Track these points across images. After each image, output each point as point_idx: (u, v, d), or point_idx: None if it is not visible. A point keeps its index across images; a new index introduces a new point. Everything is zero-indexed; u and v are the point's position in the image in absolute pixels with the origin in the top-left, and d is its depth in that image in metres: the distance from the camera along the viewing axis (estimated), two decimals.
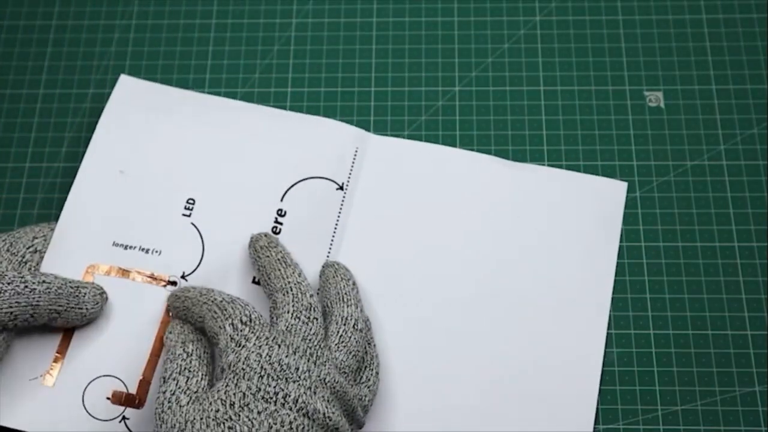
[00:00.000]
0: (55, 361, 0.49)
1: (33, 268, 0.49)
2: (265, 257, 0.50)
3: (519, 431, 0.49)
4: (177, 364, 0.46)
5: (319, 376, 0.44)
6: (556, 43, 0.59)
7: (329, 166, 0.54)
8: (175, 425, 0.43)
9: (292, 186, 0.54)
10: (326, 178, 0.54)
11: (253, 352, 0.44)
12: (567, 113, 0.57)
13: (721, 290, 0.52)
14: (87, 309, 0.48)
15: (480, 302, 0.52)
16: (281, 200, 0.53)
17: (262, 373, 0.43)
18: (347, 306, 0.49)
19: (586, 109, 0.57)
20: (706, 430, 0.49)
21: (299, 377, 0.44)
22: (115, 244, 0.52)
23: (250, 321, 0.46)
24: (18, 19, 0.61)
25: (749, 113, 0.57)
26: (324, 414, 0.43)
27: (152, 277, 0.51)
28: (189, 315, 0.48)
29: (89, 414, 0.48)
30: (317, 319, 0.47)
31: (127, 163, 0.54)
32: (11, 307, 0.45)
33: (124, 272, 0.51)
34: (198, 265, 0.51)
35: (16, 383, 0.48)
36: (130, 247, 0.51)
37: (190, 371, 0.46)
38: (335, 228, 0.53)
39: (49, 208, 0.55)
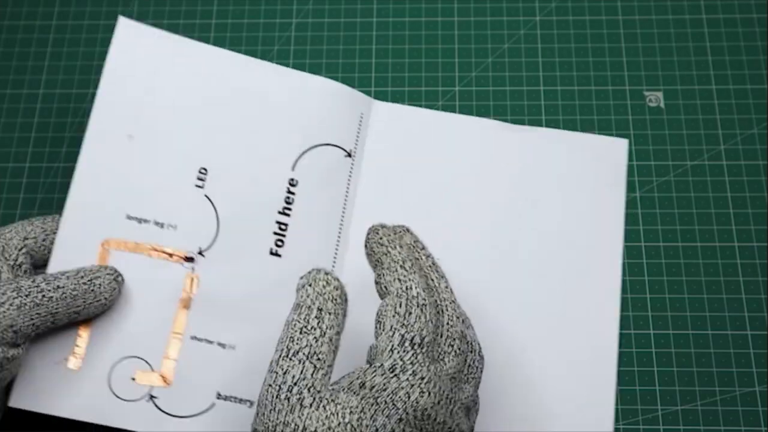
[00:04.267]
0: (78, 344, 0.48)
1: (28, 271, 0.48)
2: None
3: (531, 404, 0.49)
4: (307, 341, 0.40)
5: (451, 427, 0.41)
6: (556, 43, 0.59)
7: (337, 132, 0.54)
8: (289, 424, 0.38)
9: (303, 154, 0.53)
10: (335, 145, 0.54)
11: (403, 389, 0.40)
12: (567, 113, 0.57)
13: (721, 290, 0.52)
14: (105, 299, 0.47)
15: (489, 266, 0.52)
16: (292, 169, 0.52)
17: (403, 417, 0.40)
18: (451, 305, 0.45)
19: (586, 109, 0.57)
20: (706, 430, 0.49)
21: (434, 429, 0.41)
22: (128, 218, 0.50)
23: (420, 345, 0.41)
24: (18, 19, 0.61)
25: (749, 113, 0.57)
26: None
27: (169, 253, 0.50)
28: (378, 275, 0.44)
29: (116, 395, 0.47)
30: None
31: (135, 127, 0.51)
32: (32, 319, 0.44)
33: (140, 248, 0.50)
34: (214, 240, 0.51)
35: (41, 368, 0.48)
36: (144, 221, 0.50)
37: (319, 359, 0.40)
38: (346, 196, 0.53)
39: (49, 208, 0.55)
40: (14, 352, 0.44)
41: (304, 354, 0.40)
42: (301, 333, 0.40)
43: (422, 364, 0.41)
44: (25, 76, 0.59)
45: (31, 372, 0.47)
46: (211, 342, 0.49)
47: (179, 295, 0.49)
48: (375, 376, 0.40)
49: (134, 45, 0.52)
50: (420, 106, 0.57)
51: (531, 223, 0.53)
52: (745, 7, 0.60)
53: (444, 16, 0.60)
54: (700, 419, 0.50)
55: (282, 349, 0.40)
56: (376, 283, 0.44)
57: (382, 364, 0.41)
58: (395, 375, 0.40)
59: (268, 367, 0.41)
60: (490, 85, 0.58)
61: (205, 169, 0.51)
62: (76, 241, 0.49)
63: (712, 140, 0.56)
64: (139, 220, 0.50)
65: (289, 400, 0.39)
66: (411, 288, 0.42)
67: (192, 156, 0.51)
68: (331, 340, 0.41)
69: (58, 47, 0.60)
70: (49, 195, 0.56)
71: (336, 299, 0.42)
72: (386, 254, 0.44)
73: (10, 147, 0.57)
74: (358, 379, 0.40)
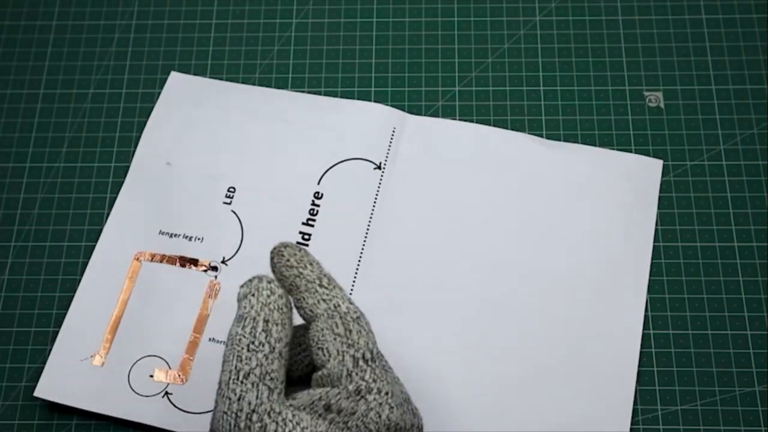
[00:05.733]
0: (105, 343, 0.51)
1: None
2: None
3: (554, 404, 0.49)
4: (257, 360, 0.38)
5: (414, 426, 0.41)
6: (556, 43, 0.59)
7: (366, 146, 0.55)
8: None
9: (330, 168, 0.55)
10: (363, 159, 0.55)
11: (373, 410, 0.39)
12: (567, 113, 0.57)
13: (721, 290, 0.52)
14: None
15: (517, 282, 0.52)
16: (318, 183, 0.55)
17: None
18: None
19: (586, 109, 0.57)
20: (705, 430, 0.49)
21: None
22: (161, 233, 0.54)
23: (372, 359, 0.40)
24: (18, 20, 0.61)
25: (749, 113, 0.57)
26: None
27: (194, 262, 0.53)
28: (297, 300, 0.41)
29: (134, 391, 0.50)
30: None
31: (173, 155, 0.56)
32: None
33: (169, 258, 0.53)
34: (237, 250, 0.53)
35: (67, 364, 0.50)
36: (175, 236, 0.54)
37: (272, 378, 0.38)
38: (373, 207, 0.54)
39: (49, 208, 0.55)
40: None
41: (255, 376, 0.37)
42: (248, 350, 0.38)
43: (383, 380, 0.40)
44: (25, 77, 0.59)
45: (57, 367, 0.50)
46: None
47: (201, 300, 0.52)
48: (340, 399, 0.39)
49: (178, 91, 0.58)
50: (420, 106, 0.57)
51: (560, 238, 0.53)
52: (745, 7, 0.60)
53: (444, 16, 0.60)
54: (699, 419, 0.50)
55: (231, 371, 0.38)
56: (298, 308, 0.41)
57: (346, 387, 0.39)
58: (362, 397, 0.39)
59: (217, 389, 0.39)
60: (490, 85, 0.58)
61: (233, 188, 0.55)
62: (112, 254, 0.53)
63: (711, 140, 0.56)
64: (170, 235, 0.54)
65: (250, 429, 0.36)
66: (339, 305, 0.40)
67: (222, 178, 0.55)
68: (281, 354, 0.39)
69: (58, 47, 0.60)
70: (49, 195, 0.56)
71: (282, 308, 0.40)
72: (299, 276, 0.41)
73: (10, 147, 0.57)
74: (321, 401, 0.39)
